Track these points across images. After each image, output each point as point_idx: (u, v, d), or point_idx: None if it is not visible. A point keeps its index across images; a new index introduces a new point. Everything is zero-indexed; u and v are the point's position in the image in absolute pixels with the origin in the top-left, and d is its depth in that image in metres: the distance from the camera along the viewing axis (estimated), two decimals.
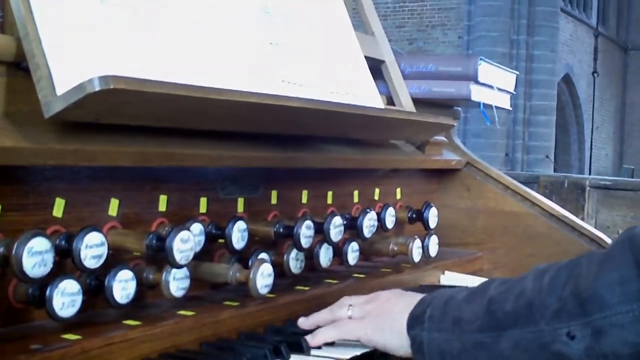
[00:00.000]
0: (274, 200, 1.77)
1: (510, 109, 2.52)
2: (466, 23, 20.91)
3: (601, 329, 1.18)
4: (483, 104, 2.31)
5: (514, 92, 2.52)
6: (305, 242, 1.62)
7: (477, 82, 2.27)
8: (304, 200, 1.86)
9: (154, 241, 1.30)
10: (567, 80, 25.96)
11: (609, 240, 2.24)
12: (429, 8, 23.29)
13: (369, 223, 1.82)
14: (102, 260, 1.24)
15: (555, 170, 21.09)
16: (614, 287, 1.18)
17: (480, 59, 2.27)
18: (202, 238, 1.50)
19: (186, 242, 1.31)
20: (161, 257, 1.31)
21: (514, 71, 2.53)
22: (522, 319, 1.26)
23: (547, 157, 20.48)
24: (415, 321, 1.39)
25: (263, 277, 1.44)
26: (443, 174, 2.41)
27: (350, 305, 1.49)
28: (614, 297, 1.17)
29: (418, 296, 1.45)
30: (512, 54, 20.22)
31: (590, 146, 25.47)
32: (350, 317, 1.47)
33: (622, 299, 1.16)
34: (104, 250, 1.24)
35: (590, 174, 24.22)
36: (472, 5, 20.67)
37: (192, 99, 1.29)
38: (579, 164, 26.90)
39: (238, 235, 1.55)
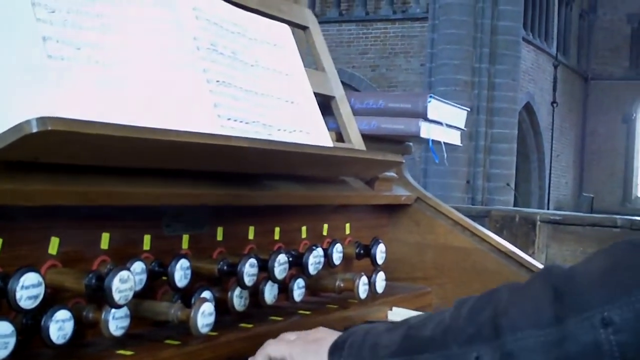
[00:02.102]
0: (219, 237, 1.76)
1: (461, 145, 2.55)
2: (429, 51, 21.04)
3: (511, 352, 1.20)
4: (432, 140, 2.33)
5: (465, 129, 2.54)
6: (248, 280, 1.63)
7: (426, 119, 2.30)
8: (251, 236, 1.86)
9: (93, 281, 1.30)
10: (528, 108, 26.21)
11: None
12: (392, 35, 23.45)
13: (314, 260, 1.83)
14: (38, 301, 1.23)
15: (515, 198, 21.25)
16: (529, 312, 1.21)
17: (430, 96, 2.29)
18: (144, 276, 1.49)
19: (125, 282, 1.31)
20: (100, 296, 1.31)
21: (465, 108, 2.55)
22: (436, 343, 1.29)
23: (507, 184, 20.61)
24: (336, 348, 1.42)
25: (204, 316, 1.44)
26: (393, 209, 2.42)
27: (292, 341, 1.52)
28: (527, 322, 1.20)
29: None
30: (474, 81, 20.37)
31: (549, 174, 25.69)
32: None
33: (536, 323, 1.19)
34: (40, 291, 1.23)
35: (548, 202, 24.45)
36: (435, 33, 20.80)
37: (129, 140, 1.29)
38: (539, 191, 27.11)
39: (181, 273, 1.54)
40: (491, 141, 20.54)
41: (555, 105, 24.21)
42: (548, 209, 24.48)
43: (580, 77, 32.46)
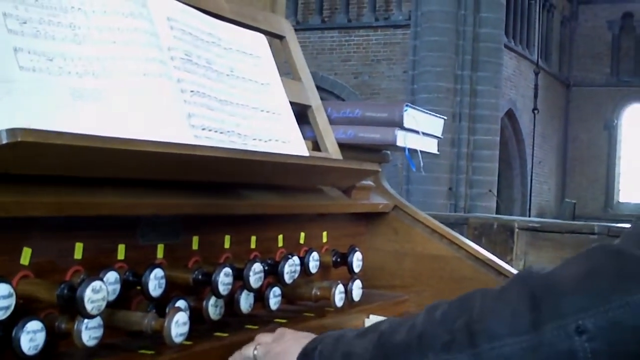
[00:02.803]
0: (195, 246, 1.76)
1: (438, 153, 2.56)
2: (411, 58, 21.06)
3: None
4: (408, 149, 2.34)
5: (442, 137, 2.56)
6: (223, 290, 1.63)
7: (402, 127, 2.31)
8: (227, 245, 1.86)
9: (65, 291, 1.30)
10: (511, 115, 26.28)
11: None
12: (374, 42, 23.49)
13: (290, 269, 1.83)
14: (9, 312, 1.23)
15: (498, 205, 21.30)
16: (505, 319, 1.21)
17: (407, 105, 2.30)
18: (118, 286, 1.49)
19: (98, 292, 1.31)
20: (73, 307, 1.31)
21: (441, 116, 2.56)
22: (410, 350, 1.28)
23: (490, 191, 20.66)
24: (305, 357, 1.42)
25: (178, 325, 1.44)
26: (371, 217, 2.42)
27: (259, 344, 1.55)
28: (504, 329, 1.20)
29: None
30: (456, 89, 20.41)
31: (530, 181, 25.78)
32: (255, 356, 1.53)
33: (513, 331, 1.19)
34: (11, 302, 1.23)
35: (530, 209, 24.53)
36: (418, 41, 20.84)
37: (102, 151, 1.29)
38: (522, 197, 27.18)
39: (155, 282, 1.54)
40: (473, 148, 20.58)
41: (536, 112, 24.30)
42: (530, 215, 24.57)
43: (562, 83, 32.59)
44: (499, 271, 2.31)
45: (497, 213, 21.19)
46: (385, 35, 23.40)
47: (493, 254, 2.43)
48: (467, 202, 20.28)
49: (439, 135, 2.55)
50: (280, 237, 2.05)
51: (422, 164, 2.43)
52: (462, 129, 20.27)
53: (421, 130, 2.39)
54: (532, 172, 26.31)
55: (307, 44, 23.22)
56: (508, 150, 26.75)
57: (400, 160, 18.22)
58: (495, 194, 21.38)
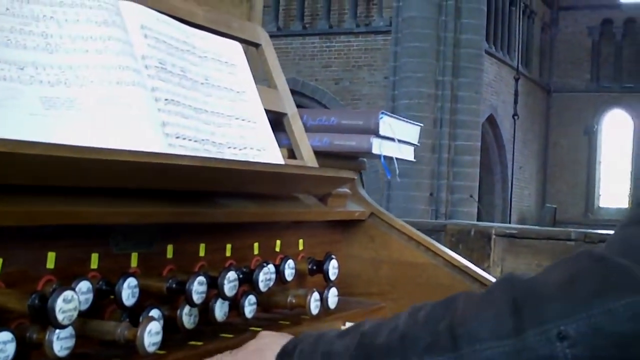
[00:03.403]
0: (169, 255, 1.76)
1: (414, 160, 2.56)
2: (392, 64, 21.12)
3: None
4: (384, 156, 2.35)
5: (418, 144, 2.56)
6: (197, 298, 1.62)
7: (378, 135, 2.31)
8: (202, 253, 1.86)
9: (36, 301, 1.29)
10: (491, 121, 26.39)
11: None
12: (355, 48, 23.54)
13: (264, 277, 1.83)
14: None
15: (479, 210, 21.36)
16: (488, 323, 1.21)
17: (382, 113, 2.31)
18: (90, 296, 1.48)
19: (70, 302, 1.31)
20: (44, 317, 1.30)
21: (417, 124, 2.57)
22: (393, 351, 1.29)
23: (471, 196, 20.72)
24: (285, 356, 1.43)
25: (151, 335, 1.44)
26: (347, 225, 2.42)
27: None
28: (487, 333, 1.21)
29: None
30: (437, 94, 20.48)
31: (511, 186, 25.86)
32: None
33: (495, 334, 1.20)
34: None
35: (510, 214, 24.60)
36: (399, 47, 20.90)
37: (73, 160, 1.29)
38: (502, 203, 27.28)
39: (128, 291, 1.54)
40: (454, 153, 20.65)
41: (516, 118, 24.38)
42: (510, 221, 24.64)
43: (542, 89, 32.76)
44: (476, 278, 2.31)
45: (478, 218, 21.27)
46: (366, 41, 23.46)
47: (470, 261, 2.44)
48: (448, 207, 20.34)
49: (416, 143, 2.55)
50: (256, 245, 2.05)
51: (397, 171, 2.43)
52: (443, 135, 20.35)
53: (397, 137, 2.39)
54: (512, 177, 26.40)
55: (288, 50, 23.26)
56: (489, 155, 26.84)
57: (381, 167, 18.23)
58: (476, 199, 21.44)
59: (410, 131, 2.53)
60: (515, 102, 24.23)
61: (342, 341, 1.37)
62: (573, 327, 1.15)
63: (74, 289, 1.34)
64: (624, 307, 1.13)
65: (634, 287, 1.14)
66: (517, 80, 24.45)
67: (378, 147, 2.33)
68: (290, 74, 22.86)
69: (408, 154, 2.52)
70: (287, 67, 22.68)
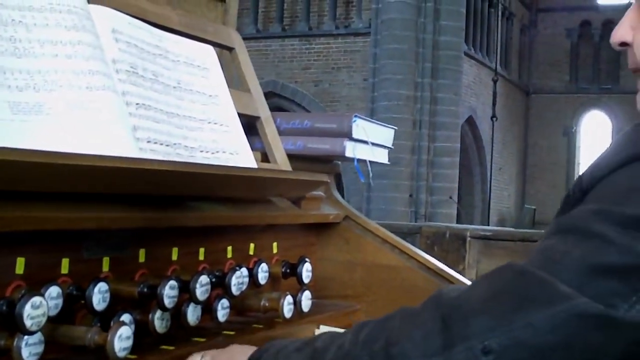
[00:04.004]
0: (142, 259, 1.76)
1: (389, 163, 2.57)
2: (371, 65, 21.15)
3: None
4: (357, 159, 2.36)
5: (392, 147, 2.57)
6: (169, 303, 1.62)
7: (351, 138, 2.32)
8: (174, 257, 1.86)
9: (4, 308, 1.29)
10: (471, 122, 26.46)
11: None
12: (335, 50, 23.54)
13: (237, 281, 1.83)
14: None
15: (458, 211, 21.42)
16: (418, 342, 1.25)
17: (356, 116, 2.32)
18: (60, 301, 1.48)
19: (38, 308, 1.31)
20: (12, 323, 1.30)
21: (391, 127, 2.58)
22: None
23: (450, 198, 20.77)
24: None
25: (121, 339, 1.43)
26: (322, 228, 2.43)
27: (202, 356, 1.59)
28: (417, 351, 1.24)
29: None
30: (416, 96, 20.52)
31: (490, 187, 25.95)
32: None
33: (425, 353, 1.23)
34: None
35: (489, 215, 24.68)
36: (378, 48, 20.93)
37: (44, 165, 1.28)
38: (482, 204, 27.34)
39: (99, 296, 1.53)
40: (434, 155, 20.70)
41: (494, 119, 24.44)
42: (489, 222, 24.71)
43: (521, 90, 32.88)
44: (450, 280, 2.32)
45: (457, 220, 21.33)
46: (345, 43, 23.46)
47: (445, 263, 2.45)
48: (428, 209, 20.38)
49: (390, 145, 2.56)
50: (230, 248, 2.05)
51: (371, 174, 2.44)
52: (423, 136, 20.39)
53: (370, 140, 2.40)
54: (491, 178, 26.49)
55: (267, 52, 23.25)
56: (468, 157, 26.92)
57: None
58: (456, 200, 21.50)
59: (384, 134, 2.53)
60: (494, 104, 24.28)
61: (297, 356, 1.42)
62: (496, 341, 1.18)
63: (42, 295, 1.34)
64: (543, 320, 1.17)
65: (552, 300, 1.18)
66: (495, 82, 24.49)
67: (351, 150, 2.34)
68: (270, 76, 22.85)
69: (382, 156, 2.52)
70: (267, 69, 22.70)
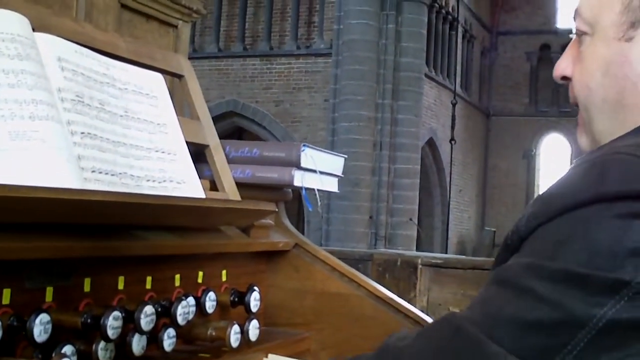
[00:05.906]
0: (87, 288, 1.74)
1: (338, 191, 2.58)
2: (332, 86, 21.23)
3: None
4: (305, 188, 2.37)
5: (342, 175, 2.58)
6: (112, 333, 1.61)
7: (300, 167, 2.33)
8: (121, 286, 1.85)
9: None
10: (431, 144, 26.60)
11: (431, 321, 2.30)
12: (296, 70, 23.59)
13: (183, 310, 1.83)
14: None
15: (418, 233, 21.49)
16: None
17: (305, 145, 2.33)
18: (0, 333, 1.47)
19: None
20: None
21: (342, 155, 2.59)
22: None
23: (410, 219, 20.85)
24: None
25: None
26: (272, 255, 2.43)
27: None
28: None
29: None
30: (377, 117, 20.63)
31: (448, 209, 26.06)
32: None
33: None
34: None
35: (447, 237, 24.78)
36: (339, 69, 21.01)
37: None
38: (442, 225, 27.45)
39: (40, 327, 1.52)
40: (394, 176, 20.79)
41: (453, 142, 24.57)
42: (448, 244, 24.80)
43: (482, 113, 33.13)
44: (398, 309, 2.33)
45: (417, 242, 21.40)
46: (306, 63, 23.52)
47: (397, 290, 2.46)
48: (388, 230, 20.44)
49: (339, 174, 2.57)
50: (177, 276, 2.04)
51: (319, 203, 2.45)
52: (383, 158, 20.48)
53: (319, 169, 2.41)
54: (449, 200, 26.62)
55: (229, 72, 23.22)
56: (429, 178, 27.05)
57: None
58: (416, 222, 21.58)
59: (334, 163, 2.54)
60: (452, 127, 24.37)
61: None
62: None
63: None
64: None
65: None
66: (454, 105, 24.62)
67: (300, 179, 2.35)
68: (231, 95, 22.83)
69: (331, 185, 2.53)
70: (228, 89, 22.69)
